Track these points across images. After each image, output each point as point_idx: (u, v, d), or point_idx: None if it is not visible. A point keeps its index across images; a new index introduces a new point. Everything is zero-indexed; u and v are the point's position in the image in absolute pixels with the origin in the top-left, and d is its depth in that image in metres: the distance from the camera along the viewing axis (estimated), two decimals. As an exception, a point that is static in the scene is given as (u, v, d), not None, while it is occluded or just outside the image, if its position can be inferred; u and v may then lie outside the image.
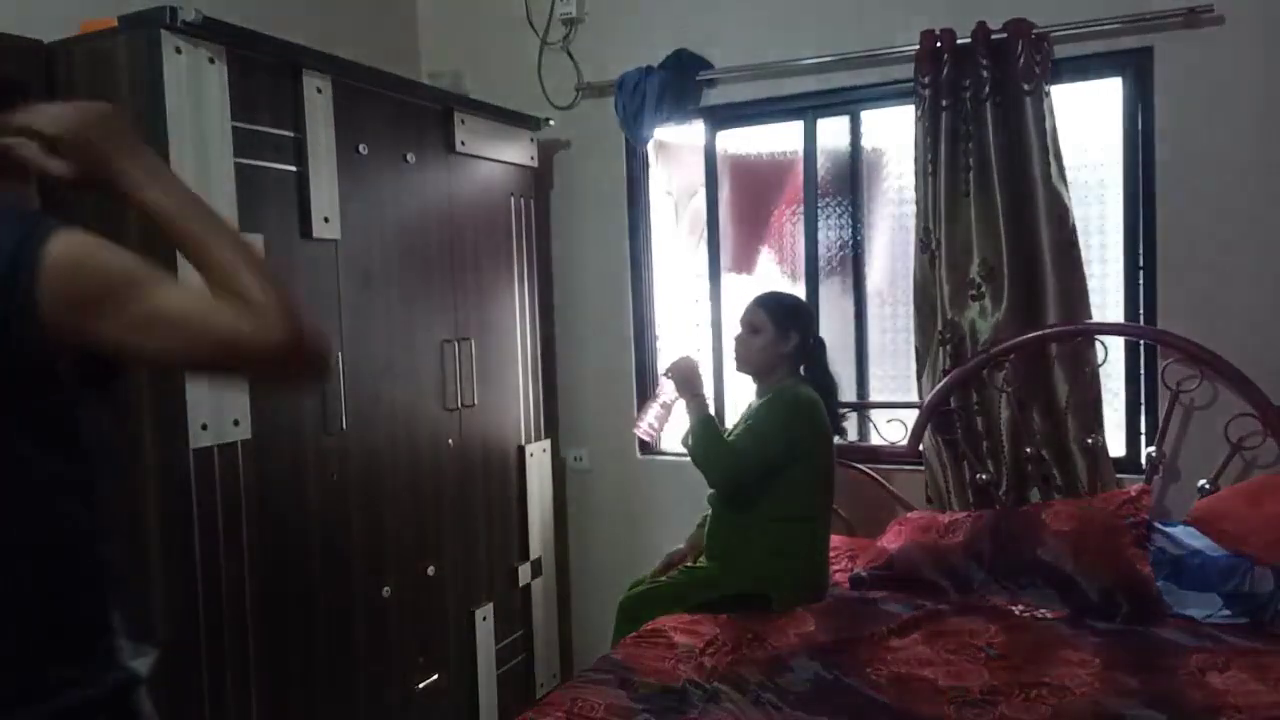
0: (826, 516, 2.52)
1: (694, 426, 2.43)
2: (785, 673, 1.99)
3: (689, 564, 2.60)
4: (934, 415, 2.77)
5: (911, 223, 2.83)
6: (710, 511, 2.54)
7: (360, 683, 2.39)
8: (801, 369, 2.56)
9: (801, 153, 3.11)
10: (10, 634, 0.95)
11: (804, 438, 2.41)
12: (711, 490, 2.50)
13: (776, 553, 2.38)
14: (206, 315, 0.94)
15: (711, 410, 2.49)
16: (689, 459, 2.46)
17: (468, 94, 2.89)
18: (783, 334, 2.50)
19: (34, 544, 0.97)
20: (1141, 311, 2.72)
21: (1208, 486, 2.50)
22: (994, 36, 2.65)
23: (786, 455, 2.38)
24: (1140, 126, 2.69)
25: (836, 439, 2.57)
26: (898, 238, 3.04)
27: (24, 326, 0.90)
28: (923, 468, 2.82)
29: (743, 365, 2.59)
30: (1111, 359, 2.68)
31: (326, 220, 2.27)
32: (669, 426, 2.62)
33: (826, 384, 2.57)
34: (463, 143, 2.77)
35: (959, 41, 2.68)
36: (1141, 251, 2.71)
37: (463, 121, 2.77)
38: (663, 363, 3.40)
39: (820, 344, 2.61)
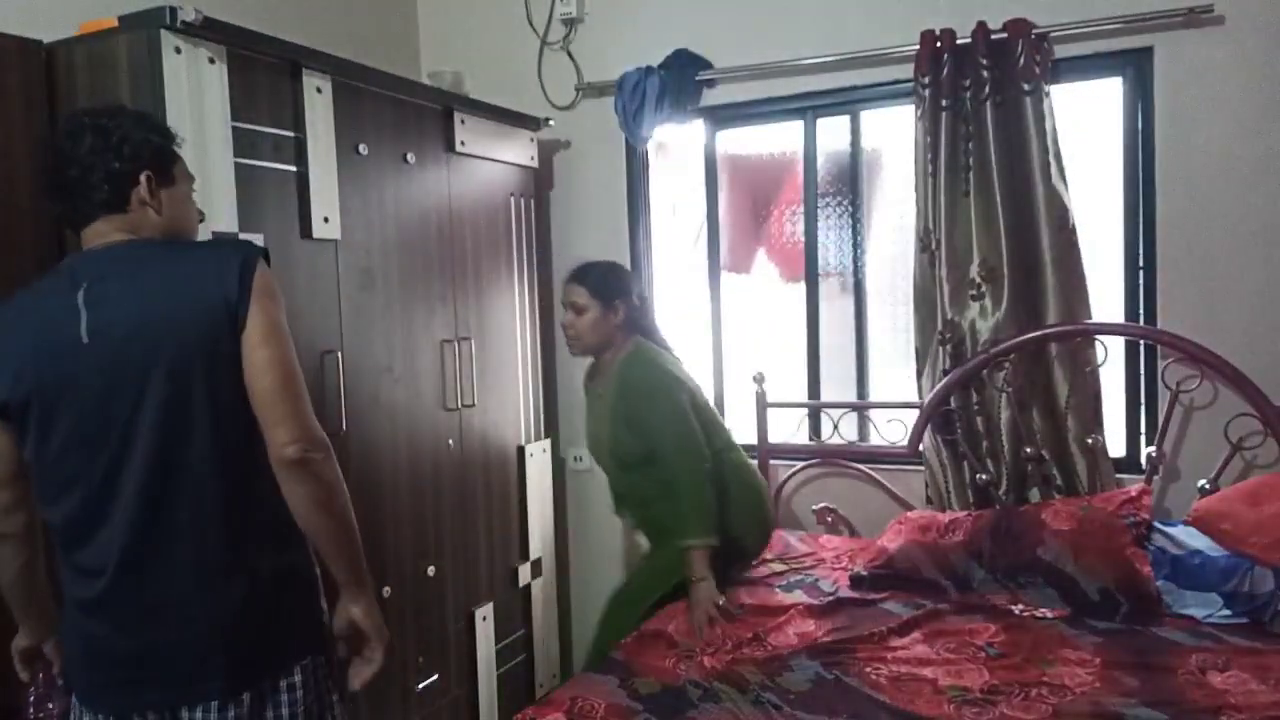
0: (730, 441, 2.56)
1: (704, 569, 2.31)
2: (785, 673, 1.99)
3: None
4: (934, 415, 2.77)
5: (911, 223, 2.83)
6: (628, 517, 2.60)
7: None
8: (631, 329, 2.50)
9: (801, 153, 3.11)
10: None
11: (681, 388, 2.41)
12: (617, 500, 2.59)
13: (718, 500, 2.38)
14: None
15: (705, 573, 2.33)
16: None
17: (468, 94, 2.89)
18: (608, 306, 2.44)
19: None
20: (1141, 311, 2.72)
21: (1208, 486, 2.50)
22: (994, 36, 2.65)
23: (691, 412, 2.38)
24: (1140, 126, 2.69)
25: None
26: (898, 238, 3.04)
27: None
28: (923, 468, 2.82)
29: (577, 348, 2.52)
30: (1111, 359, 2.68)
31: (326, 220, 2.27)
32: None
33: (657, 337, 2.55)
34: (463, 143, 2.77)
35: (959, 41, 2.68)
36: (1141, 251, 2.72)
37: (463, 121, 2.77)
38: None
39: (645, 302, 2.56)
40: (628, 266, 2.53)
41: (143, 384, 1.36)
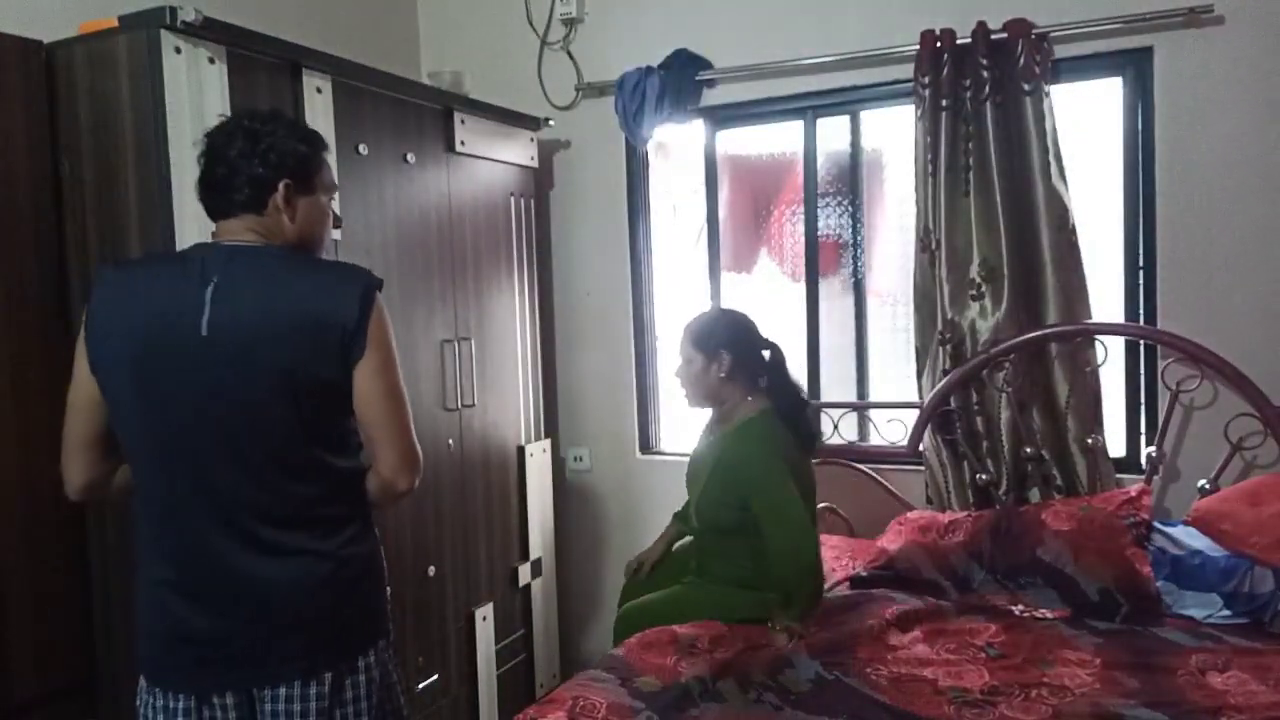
0: (814, 526, 2.39)
1: (794, 614, 2.20)
2: (786, 672, 1.99)
3: (685, 579, 2.47)
4: (934, 415, 2.77)
5: (911, 223, 2.83)
6: (690, 537, 2.49)
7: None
8: (762, 382, 2.35)
9: (801, 153, 3.11)
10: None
11: (785, 468, 2.24)
12: (688, 516, 2.43)
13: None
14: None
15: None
16: (681, 460, 2.46)
17: (468, 94, 2.89)
18: (711, 357, 2.30)
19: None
20: (1141, 311, 2.72)
21: (1208, 486, 2.50)
22: (994, 36, 2.65)
23: (795, 489, 2.22)
24: (1140, 126, 2.69)
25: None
26: (898, 238, 3.04)
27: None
28: (923, 468, 2.82)
29: (691, 399, 2.40)
30: (1111, 359, 2.68)
31: (326, 220, 2.27)
32: None
33: (789, 397, 2.36)
34: (463, 143, 2.77)
35: (959, 41, 2.68)
36: (1141, 251, 2.72)
37: (463, 121, 2.77)
38: (664, 364, 3.40)
39: (776, 353, 2.38)
40: (745, 316, 2.39)
41: (247, 387, 1.41)
